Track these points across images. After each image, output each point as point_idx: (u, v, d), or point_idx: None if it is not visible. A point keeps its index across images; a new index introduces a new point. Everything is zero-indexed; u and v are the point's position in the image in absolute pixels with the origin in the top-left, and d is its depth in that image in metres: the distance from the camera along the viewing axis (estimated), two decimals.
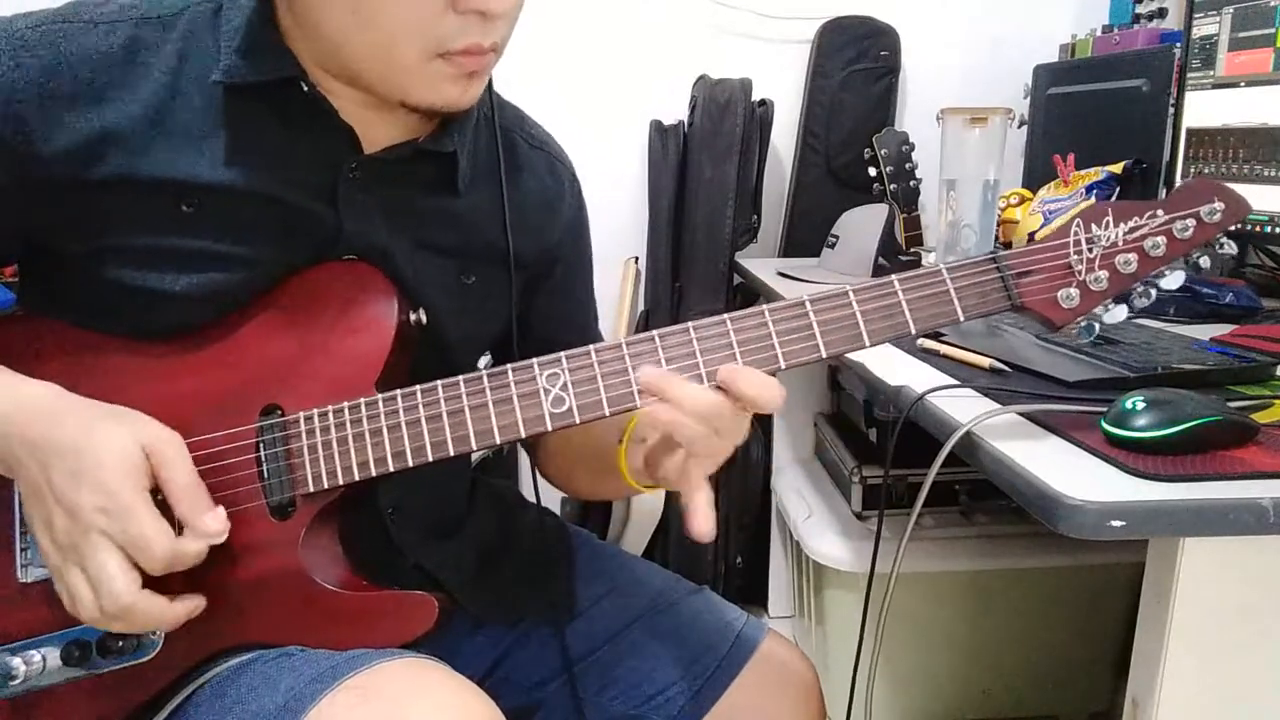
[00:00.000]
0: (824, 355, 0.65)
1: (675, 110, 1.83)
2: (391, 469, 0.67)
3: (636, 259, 1.89)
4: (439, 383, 0.67)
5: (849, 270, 1.53)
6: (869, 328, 0.66)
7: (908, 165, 1.41)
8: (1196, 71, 1.28)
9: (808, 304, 0.66)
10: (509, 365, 0.67)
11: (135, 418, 0.65)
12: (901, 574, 1.40)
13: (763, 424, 1.86)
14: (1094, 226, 0.67)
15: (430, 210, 0.77)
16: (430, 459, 0.67)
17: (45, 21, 0.67)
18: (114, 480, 0.61)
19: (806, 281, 1.52)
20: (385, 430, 0.68)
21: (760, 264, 1.70)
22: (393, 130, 0.73)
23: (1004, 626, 1.47)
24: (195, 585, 0.66)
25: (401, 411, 0.68)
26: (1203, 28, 1.27)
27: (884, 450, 1.55)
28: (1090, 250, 0.67)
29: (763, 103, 1.76)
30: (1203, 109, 1.28)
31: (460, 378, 0.67)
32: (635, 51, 1.85)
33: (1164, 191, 1.39)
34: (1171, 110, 1.36)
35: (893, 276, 0.66)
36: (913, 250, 1.42)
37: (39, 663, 0.67)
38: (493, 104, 0.80)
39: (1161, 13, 1.63)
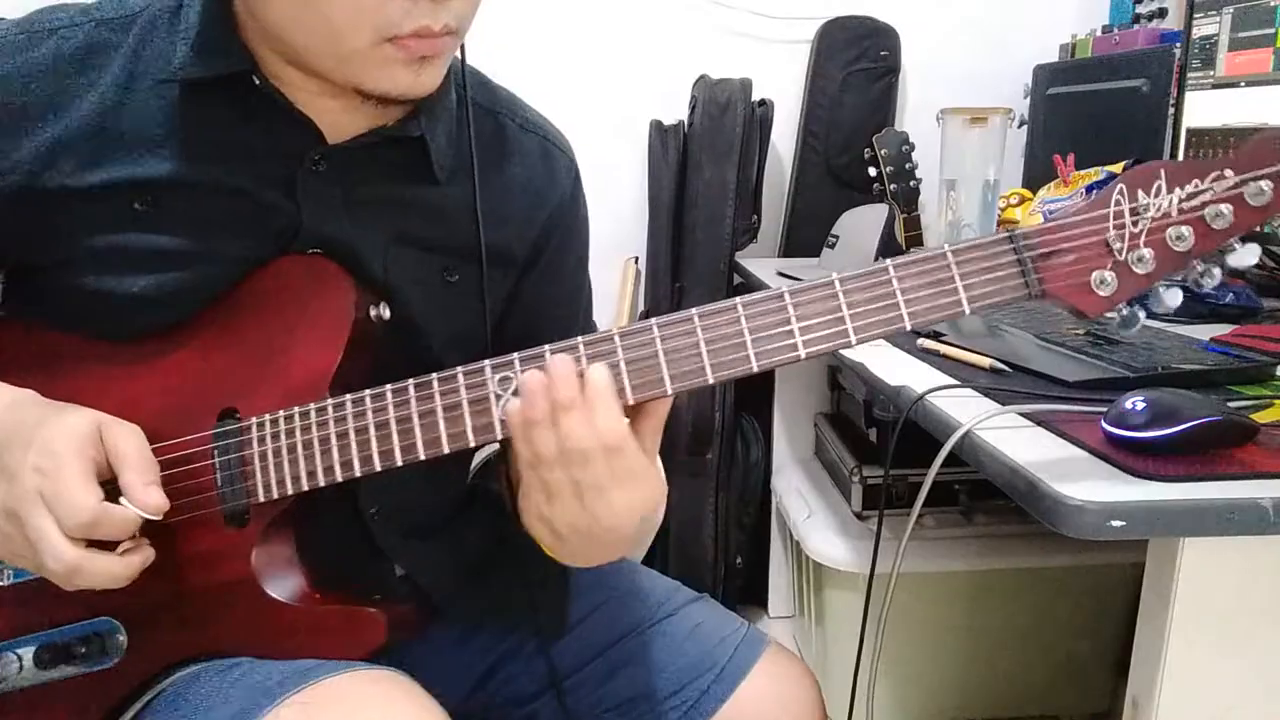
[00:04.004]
0: (802, 355, 0.59)
1: (675, 110, 1.83)
2: (340, 479, 0.65)
3: (636, 259, 1.89)
4: (388, 387, 0.64)
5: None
6: (855, 323, 0.58)
7: (908, 165, 1.41)
8: (1196, 71, 1.28)
9: (787, 297, 0.59)
10: (460, 368, 0.63)
11: (101, 412, 0.65)
12: (901, 574, 1.40)
13: (763, 424, 1.86)
14: (1141, 194, 0.56)
15: (409, 202, 0.74)
16: (378, 469, 0.64)
17: (6, 34, 0.67)
18: (58, 442, 0.61)
19: None
20: (334, 438, 0.65)
21: (760, 264, 1.70)
22: (360, 119, 0.70)
23: (1004, 626, 1.47)
24: (152, 592, 0.66)
25: (350, 418, 0.64)
26: (1203, 28, 1.27)
27: (884, 450, 1.55)
28: (1135, 224, 0.56)
29: (763, 103, 1.76)
30: (1203, 109, 1.27)
31: (410, 381, 0.64)
32: (635, 51, 1.85)
33: None
34: (1171, 110, 1.36)
35: (887, 262, 0.58)
36: (912, 250, 1.42)
37: (15, 665, 0.67)
38: (465, 81, 0.75)
39: (1161, 13, 1.63)
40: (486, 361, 0.62)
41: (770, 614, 1.90)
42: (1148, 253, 0.56)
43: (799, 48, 1.85)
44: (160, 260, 0.68)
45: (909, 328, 0.58)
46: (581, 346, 0.60)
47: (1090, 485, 0.60)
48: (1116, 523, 0.58)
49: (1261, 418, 0.71)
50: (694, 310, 0.60)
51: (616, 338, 0.60)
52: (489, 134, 0.78)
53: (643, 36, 1.85)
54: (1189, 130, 1.30)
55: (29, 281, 0.72)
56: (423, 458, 0.63)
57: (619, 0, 1.83)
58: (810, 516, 1.59)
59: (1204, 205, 0.55)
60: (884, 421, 1.52)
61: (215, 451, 0.67)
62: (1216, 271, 0.57)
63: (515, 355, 0.61)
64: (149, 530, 0.65)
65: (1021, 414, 0.75)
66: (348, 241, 0.71)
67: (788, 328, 0.59)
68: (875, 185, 1.43)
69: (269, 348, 0.69)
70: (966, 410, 0.76)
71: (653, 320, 0.60)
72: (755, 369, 0.59)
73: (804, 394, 1.85)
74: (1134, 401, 0.67)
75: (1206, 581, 0.63)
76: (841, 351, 0.71)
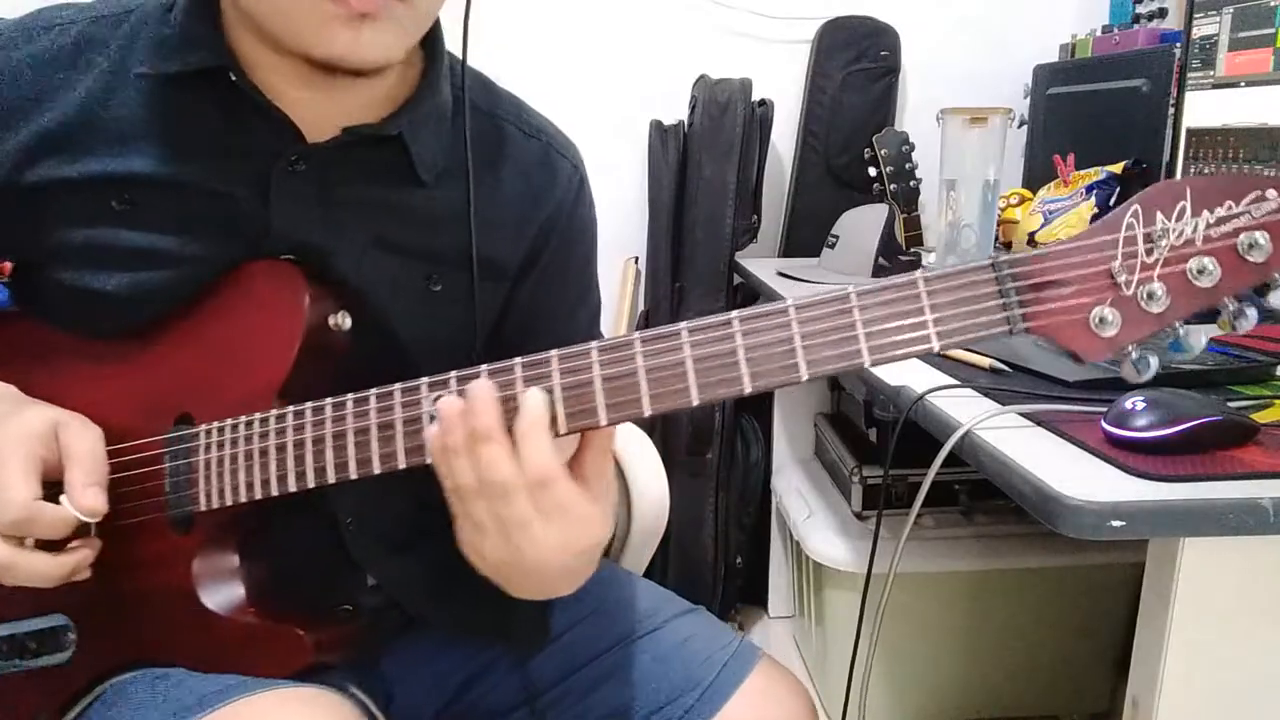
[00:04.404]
0: (747, 390, 0.53)
1: (675, 110, 1.83)
2: (275, 493, 0.63)
3: (636, 259, 1.89)
4: (328, 401, 0.61)
5: (849, 270, 1.53)
6: (809, 356, 0.52)
7: (908, 165, 1.41)
8: (1196, 71, 1.28)
9: (735, 324, 0.53)
10: (398, 385, 0.59)
11: (69, 411, 0.65)
12: (901, 574, 1.40)
13: (763, 424, 1.86)
14: (1160, 216, 0.48)
15: (392, 205, 0.71)
16: (311, 485, 0.62)
17: (4, 31, 0.67)
18: (5, 438, 0.61)
19: (806, 281, 1.52)
20: (273, 450, 0.63)
21: (760, 264, 1.70)
22: (337, 113, 0.67)
23: (1004, 626, 1.47)
24: (101, 593, 0.66)
25: (290, 431, 0.62)
26: (1203, 28, 1.27)
27: (884, 450, 1.55)
28: (1150, 252, 0.48)
29: (763, 103, 1.76)
30: (1203, 109, 1.27)
31: (349, 396, 0.61)
32: (635, 51, 1.85)
33: None
34: (1171, 110, 1.36)
35: (850, 288, 0.52)
36: (913, 250, 1.42)
37: None
38: (464, 83, 0.73)
39: (1161, 13, 1.63)
40: (424, 379, 0.59)
41: (770, 614, 1.90)
42: (1159, 288, 0.48)
43: (799, 48, 1.85)
44: (137, 258, 0.67)
45: (868, 364, 0.52)
46: (519, 368, 0.56)
47: (1090, 485, 0.61)
48: (1116, 523, 0.58)
49: (1261, 418, 0.71)
50: (636, 335, 0.55)
51: (554, 360, 0.55)
52: (485, 137, 0.75)
53: (643, 36, 1.85)
54: (1189, 130, 1.30)
55: (30, 279, 0.72)
56: (354, 477, 0.61)
57: (619, 0, 1.84)
58: (810, 516, 1.59)
59: (1237, 232, 0.47)
60: (884, 421, 1.52)
61: (167, 456, 0.67)
62: (1252, 313, 0.48)
63: (453, 374, 0.57)
64: (102, 530, 0.64)
65: (1021, 414, 0.75)
66: (320, 245, 0.69)
67: (734, 358, 0.53)
68: (875, 185, 1.43)
69: (226, 353, 0.67)
70: (966, 410, 0.76)
71: (593, 344, 0.55)
72: (695, 403, 0.53)
73: (804, 394, 1.85)
74: (1134, 401, 0.67)
75: (1206, 581, 0.63)
76: None
